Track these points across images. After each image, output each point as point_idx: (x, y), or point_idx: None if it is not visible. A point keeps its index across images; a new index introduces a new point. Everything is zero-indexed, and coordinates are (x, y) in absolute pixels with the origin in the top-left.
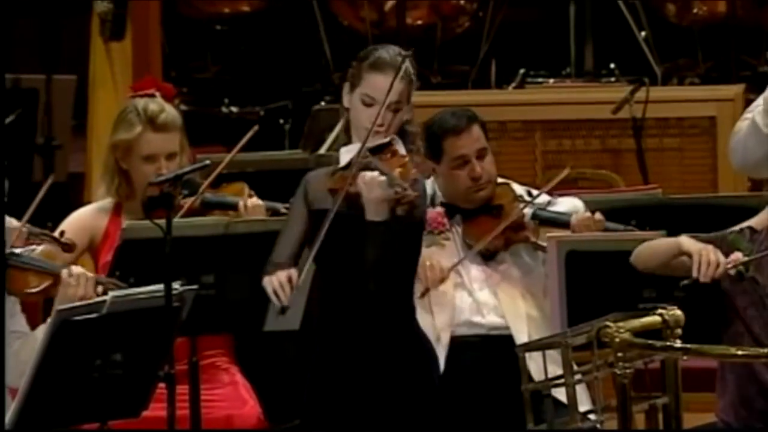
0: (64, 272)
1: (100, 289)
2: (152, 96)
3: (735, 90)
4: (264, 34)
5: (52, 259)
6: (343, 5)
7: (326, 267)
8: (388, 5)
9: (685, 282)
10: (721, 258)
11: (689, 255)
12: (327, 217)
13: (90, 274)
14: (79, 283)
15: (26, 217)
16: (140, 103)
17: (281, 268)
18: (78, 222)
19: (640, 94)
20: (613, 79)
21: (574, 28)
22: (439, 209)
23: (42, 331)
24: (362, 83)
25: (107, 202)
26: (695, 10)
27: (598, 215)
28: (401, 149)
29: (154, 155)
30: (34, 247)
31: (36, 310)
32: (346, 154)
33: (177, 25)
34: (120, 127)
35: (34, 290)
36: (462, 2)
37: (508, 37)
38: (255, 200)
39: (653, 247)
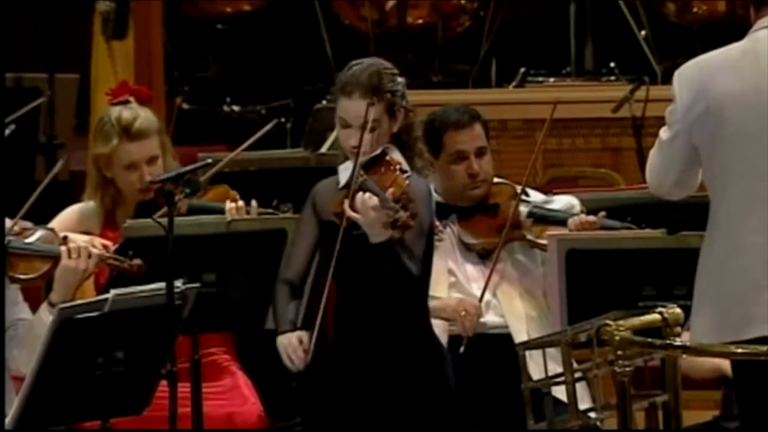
0: (63, 249)
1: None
2: (126, 102)
3: None
4: (265, 34)
5: (50, 243)
6: (345, 4)
7: (342, 281)
8: (389, 4)
9: None
10: None
11: None
12: (336, 240)
13: (95, 250)
14: (80, 256)
15: (20, 213)
16: (114, 112)
17: (291, 285)
18: (68, 221)
19: (640, 93)
20: (613, 78)
21: (575, 27)
22: None
23: (41, 315)
24: (337, 105)
25: (93, 204)
26: (695, 10)
27: (592, 218)
28: (396, 156)
29: (134, 163)
30: (32, 230)
31: (38, 298)
32: (342, 173)
33: (179, 24)
34: (97, 140)
35: (35, 275)
36: (462, 1)
37: (508, 36)
38: (242, 205)
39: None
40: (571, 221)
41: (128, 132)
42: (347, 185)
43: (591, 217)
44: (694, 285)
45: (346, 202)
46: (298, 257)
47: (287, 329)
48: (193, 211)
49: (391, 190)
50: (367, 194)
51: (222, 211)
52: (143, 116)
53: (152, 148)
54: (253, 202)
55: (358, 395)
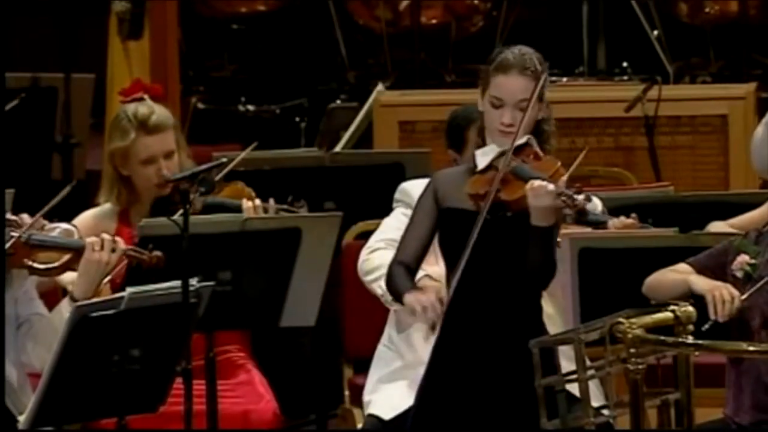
0: (88, 241)
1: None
2: (141, 99)
3: (746, 88)
4: (280, 33)
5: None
6: (359, 4)
7: (469, 264)
8: (403, 4)
9: (706, 327)
10: (734, 292)
11: (701, 295)
12: (476, 224)
13: (121, 244)
14: (104, 249)
15: (41, 212)
16: (130, 108)
17: (406, 267)
18: (84, 225)
19: (653, 93)
20: (625, 77)
21: (587, 27)
22: None
23: (62, 309)
24: (490, 86)
25: (108, 206)
26: (707, 10)
27: (631, 220)
28: (537, 149)
29: (151, 157)
30: (55, 225)
31: (55, 297)
32: (482, 157)
33: (194, 24)
34: (114, 136)
35: (55, 264)
36: (476, 1)
37: (521, 35)
38: (259, 204)
39: (662, 284)
40: (611, 223)
41: (145, 126)
42: (490, 167)
43: (630, 219)
44: None
45: (494, 183)
46: (415, 241)
47: (412, 288)
48: (210, 208)
49: (563, 178)
50: (538, 181)
51: (239, 209)
52: (159, 111)
53: (169, 142)
54: (271, 201)
55: (465, 386)
